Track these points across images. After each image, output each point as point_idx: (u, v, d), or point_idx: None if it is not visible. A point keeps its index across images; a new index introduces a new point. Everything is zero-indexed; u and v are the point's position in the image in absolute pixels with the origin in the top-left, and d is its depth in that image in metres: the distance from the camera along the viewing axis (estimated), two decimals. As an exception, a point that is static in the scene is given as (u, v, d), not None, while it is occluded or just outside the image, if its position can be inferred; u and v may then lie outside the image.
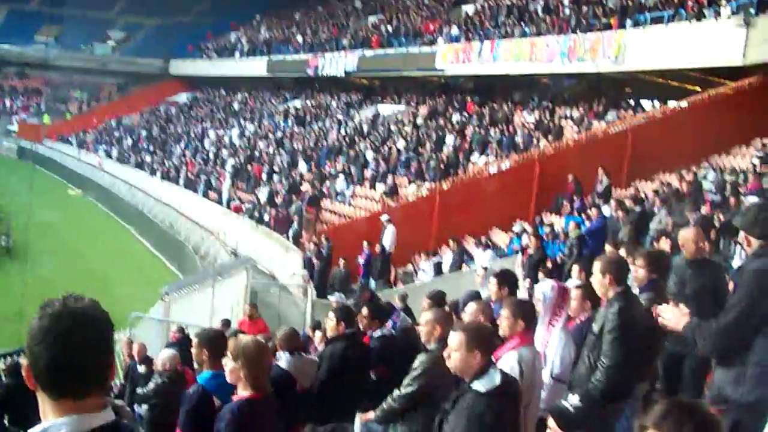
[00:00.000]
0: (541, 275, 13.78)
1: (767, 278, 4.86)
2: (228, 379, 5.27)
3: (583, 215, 20.85)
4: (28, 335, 2.36)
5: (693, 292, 7.16)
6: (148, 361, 12.65)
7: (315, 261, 24.37)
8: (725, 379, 4.93)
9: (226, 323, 15.57)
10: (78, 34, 74.15)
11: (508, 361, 5.80)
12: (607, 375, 5.87)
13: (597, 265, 6.39)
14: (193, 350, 6.65)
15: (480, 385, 4.91)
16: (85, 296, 2.41)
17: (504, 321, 6.08)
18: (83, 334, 2.32)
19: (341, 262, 23.66)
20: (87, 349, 2.32)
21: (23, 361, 2.49)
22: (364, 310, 8.74)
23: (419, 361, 6.71)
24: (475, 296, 8.78)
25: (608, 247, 10.81)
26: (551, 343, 6.49)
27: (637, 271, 7.05)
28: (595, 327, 6.18)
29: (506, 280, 8.40)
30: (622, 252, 9.75)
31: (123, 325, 18.63)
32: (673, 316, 5.16)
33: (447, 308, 9.14)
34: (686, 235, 7.76)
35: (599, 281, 6.29)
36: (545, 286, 6.75)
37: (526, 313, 6.11)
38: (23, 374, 2.42)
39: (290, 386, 7.41)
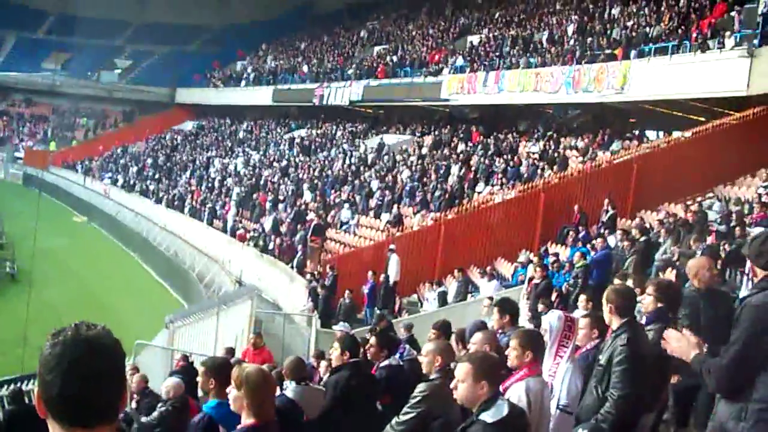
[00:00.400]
0: (541, 307, 13.75)
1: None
2: (232, 407, 5.26)
3: (588, 245, 20.84)
4: (39, 363, 2.33)
5: (708, 322, 7.10)
6: (145, 394, 12.52)
7: (320, 290, 24.35)
8: (727, 413, 4.84)
9: (230, 351, 15.54)
10: (85, 62, 74.56)
11: (515, 391, 5.78)
12: (617, 406, 5.85)
13: (604, 295, 6.39)
14: (200, 378, 6.64)
15: (487, 416, 4.89)
16: (98, 324, 2.41)
17: (512, 352, 6.05)
18: (96, 362, 2.29)
19: (346, 293, 23.61)
20: (100, 378, 2.29)
21: (34, 388, 2.48)
22: (372, 340, 8.75)
23: (419, 389, 6.71)
24: (482, 326, 8.78)
25: (616, 280, 10.74)
26: (558, 373, 6.47)
27: (645, 299, 7.03)
28: (602, 358, 6.17)
29: (508, 308, 8.43)
30: (630, 283, 9.73)
31: (127, 353, 18.56)
32: (679, 344, 5.10)
33: (453, 338, 9.15)
34: (698, 264, 7.69)
35: (606, 311, 6.30)
36: (552, 317, 6.73)
37: (534, 344, 6.09)
38: (34, 402, 2.41)
39: (297, 416, 7.38)
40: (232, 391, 5.19)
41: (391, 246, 24.69)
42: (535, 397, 5.77)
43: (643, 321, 7.05)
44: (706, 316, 7.12)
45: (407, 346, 10.52)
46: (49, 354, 2.30)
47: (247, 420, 5.08)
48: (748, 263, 5.05)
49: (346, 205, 33.22)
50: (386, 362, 8.54)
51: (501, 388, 5.50)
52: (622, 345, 5.99)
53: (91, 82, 73.31)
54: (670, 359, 5.57)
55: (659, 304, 6.75)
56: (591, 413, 6.06)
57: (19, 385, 15.28)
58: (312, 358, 14.89)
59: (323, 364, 12.45)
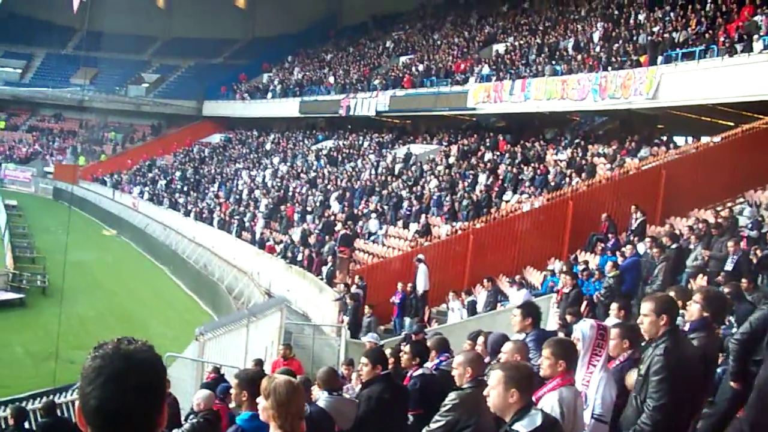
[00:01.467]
0: (569, 318, 13.66)
1: None
2: (261, 417, 5.27)
3: (618, 253, 20.71)
4: (80, 375, 2.35)
5: None
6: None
7: (349, 301, 24.34)
8: None
9: (259, 363, 15.56)
10: (112, 77, 75.30)
11: (548, 401, 5.75)
12: (652, 417, 5.79)
13: (648, 305, 6.32)
14: (233, 391, 6.67)
15: (521, 427, 4.88)
16: (139, 339, 2.42)
17: (545, 361, 6.02)
18: (134, 376, 2.31)
19: (367, 309, 23.38)
20: (138, 392, 2.31)
21: (71, 400, 2.49)
22: (406, 348, 8.83)
23: (450, 398, 6.77)
24: (502, 339, 8.72)
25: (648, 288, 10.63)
26: (592, 382, 6.42)
27: (691, 306, 6.96)
28: (642, 368, 6.11)
29: (530, 311, 8.44)
30: (672, 293, 9.65)
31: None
32: None
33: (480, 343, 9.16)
34: None
35: (650, 321, 6.22)
36: (584, 325, 6.68)
37: (567, 354, 6.05)
38: (75, 414, 2.42)
39: (329, 426, 7.39)
40: (261, 401, 5.20)
41: (420, 256, 24.63)
42: (568, 407, 5.73)
43: (686, 328, 6.98)
44: None
45: (447, 355, 10.50)
46: (89, 367, 2.33)
47: (274, 431, 5.09)
48: None
49: (374, 216, 33.24)
50: (420, 371, 8.57)
51: (534, 398, 5.48)
52: (659, 355, 5.92)
53: (118, 97, 73.90)
54: (713, 363, 5.49)
55: (705, 314, 6.65)
56: (631, 424, 6.01)
57: (51, 397, 15.36)
58: (342, 367, 14.89)
59: (351, 370, 12.48)
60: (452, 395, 6.77)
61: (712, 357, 7.38)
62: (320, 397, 7.77)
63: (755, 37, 24.97)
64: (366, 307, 23.41)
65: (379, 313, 24.11)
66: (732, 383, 7.84)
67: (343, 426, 7.66)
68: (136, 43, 76.30)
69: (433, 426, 6.72)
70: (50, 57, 77.69)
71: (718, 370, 7.96)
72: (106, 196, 60.58)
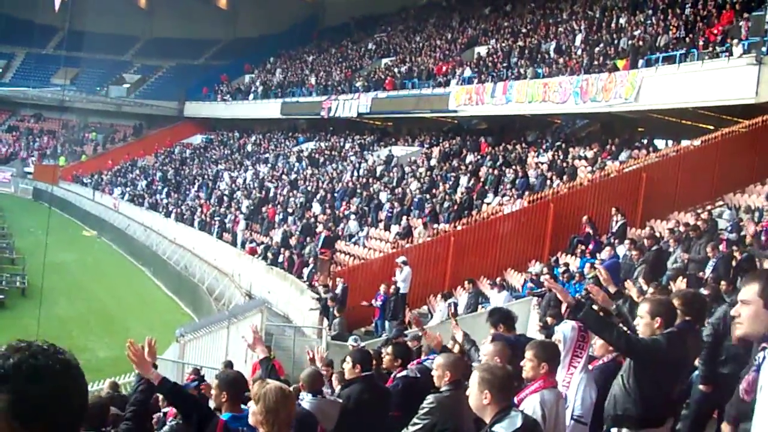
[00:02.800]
0: (550, 320, 13.67)
1: None
2: (250, 420, 5.26)
3: (598, 255, 20.78)
4: None
5: None
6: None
7: (330, 303, 24.30)
8: None
9: (229, 364, 15.50)
10: (93, 77, 75.03)
11: (530, 403, 5.77)
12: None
13: (644, 307, 6.37)
14: (213, 392, 6.66)
15: (501, 428, 4.90)
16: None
17: (527, 363, 6.05)
18: None
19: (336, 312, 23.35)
20: None
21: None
22: (389, 349, 8.85)
23: (428, 401, 6.80)
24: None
25: (651, 289, 10.62)
26: (572, 384, 6.45)
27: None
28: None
29: (499, 318, 8.53)
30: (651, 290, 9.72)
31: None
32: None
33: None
34: None
35: (645, 323, 6.27)
36: (566, 327, 6.71)
37: (549, 356, 6.08)
38: None
39: (312, 427, 7.41)
40: (251, 405, 5.21)
41: (404, 258, 24.58)
42: (550, 410, 5.76)
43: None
44: None
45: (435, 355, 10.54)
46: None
47: (261, 436, 5.09)
48: None
49: (353, 217, 33.22)
50: (404, 373, 8.59)
51: (516, 400, 5.50)
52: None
53: (100, 97, 73.60)
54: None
55: (687, 318, 6.68)
56: (620, 406, 6.12)
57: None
58: (322, 368, 14.85)
59: (331, 371, 12.45)
60: (430, 398, 6.80)
61: (695, 360, 7.48)
62: (304, 398, 7.78)
63: (735, 41, 25.12)
64: (335, 310, 23.41)
65: (355, 316, 24.16)
66: (701, 386, 7.92)
67: (327, 427, 7.69)
68: (117, 44, 75.95)
69: (411, 429, 6.74)
70: (31, 56, 77.15)
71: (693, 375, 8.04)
72: (86, 196, 60.27)
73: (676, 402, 6.80)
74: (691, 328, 6.67)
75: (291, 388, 5.72)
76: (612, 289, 7.55)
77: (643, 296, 8.47)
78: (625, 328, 6.57)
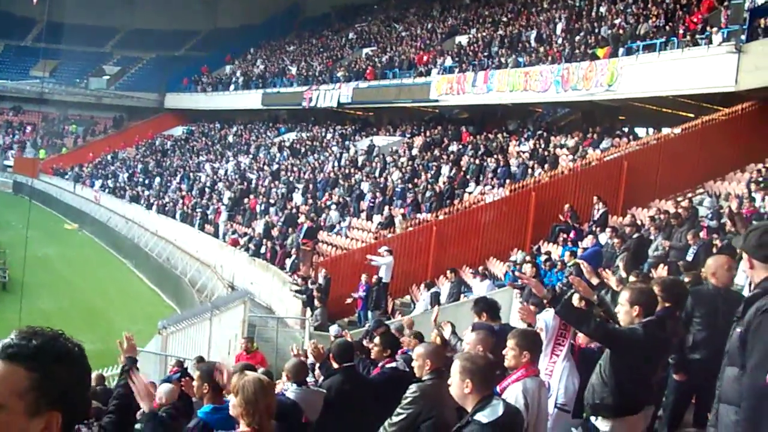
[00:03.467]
0: (532, 308, 13.73)
1: None
2: (230, 412, 5.25)
3: (580, 243, 20.84)
4: None
5: (726, 323, 7.00)
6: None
7: (315, 294, 24.30)
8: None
9: (200, 359, 15.45)
10: (73, 69, 74.61)
11: (513, 392, 5.79)
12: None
13: (624, 295, 6.38)
14: (195, 383, 6.65)
15: (483, 416, 4.91)
16: None
17: (510, 352, 6.06)
18: None
19: (316, 302, 23.41)
20: None
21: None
22: (376, 340, 8.88)
23: (410, 390, 6.80)
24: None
25: (631, 277, 10.67)
26: (555, 372, 6.47)
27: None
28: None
29: (483, 307, 8.54)
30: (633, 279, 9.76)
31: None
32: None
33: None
34: (717, 263, 7.63)
35: (624, 311, 6.28)
36: (548, 315, 6.72)
37: (531, 345, 6.10)
38: None
39: (297, 417, 7.43)
40: (231, 397, 5.20)
41: (386, 248, 24.57)
42: (532, 398, 5.78)
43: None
44: (725, 316, 6.99)
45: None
46: None
47: (243, 427, 5.07)
48: (745, 257, 4.61)
49: (334, 207, 33.19)
50: (393, 364, 8.61)
51: (498, 389, 5.51)
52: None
53: (79, 89, 73.13)
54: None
55: (666, 304, 6.70)
56: (598, 395, 6.14)
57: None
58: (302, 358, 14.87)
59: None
60: (413, 387, 6.81)
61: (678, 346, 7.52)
62: (289, 388, 7.80)
63: (714, 29, 25.20)
64: (317, 300, 23.45)
65: (337, 306, 24.19)
66: (675, 375, 7.96)
67: (311, 417, 7.70)
68: (96, 35, 75.38)
69: (394, 419, 6.74)
70: (9, 49, 76.62)
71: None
72: (67, 189, 59.92)
73: (655, 390, 6.83)
74: (671, 314, 6.70)
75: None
76: (595, 281, 7.58)
77: (622, 285, 8.49)
78: (603, 318, 6.59)
